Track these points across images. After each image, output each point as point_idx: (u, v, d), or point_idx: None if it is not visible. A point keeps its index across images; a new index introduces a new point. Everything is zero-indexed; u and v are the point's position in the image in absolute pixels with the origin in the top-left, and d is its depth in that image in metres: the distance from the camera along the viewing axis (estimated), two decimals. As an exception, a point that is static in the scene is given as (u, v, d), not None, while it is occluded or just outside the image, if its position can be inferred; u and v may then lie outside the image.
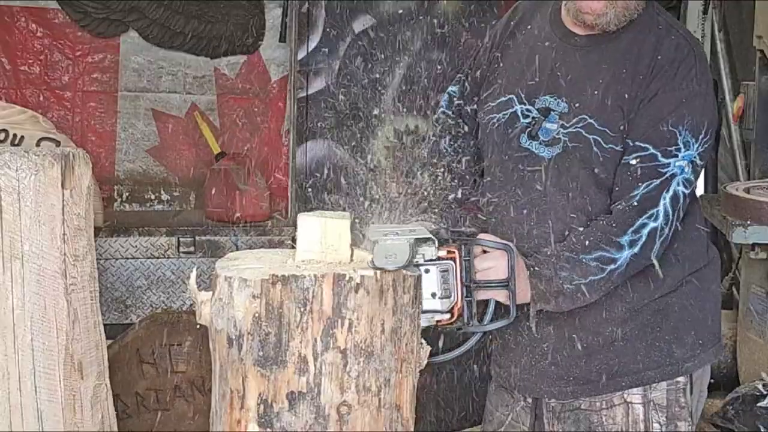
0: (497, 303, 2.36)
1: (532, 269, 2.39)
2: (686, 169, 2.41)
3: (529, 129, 2.49)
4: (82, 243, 2.22)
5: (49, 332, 2.17)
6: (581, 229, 2.43)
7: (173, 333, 3.82)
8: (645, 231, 2.40)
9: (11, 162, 2.12)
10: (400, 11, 4.90)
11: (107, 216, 4.72)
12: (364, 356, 1.89)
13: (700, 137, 2.43)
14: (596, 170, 2.43)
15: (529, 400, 2.60)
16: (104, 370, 2.32)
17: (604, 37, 2.48)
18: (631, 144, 2.43)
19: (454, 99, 2.74)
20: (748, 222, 3.32)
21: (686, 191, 2.43)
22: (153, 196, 5.29)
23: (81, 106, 5.16)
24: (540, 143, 2.48)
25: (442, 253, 2.27)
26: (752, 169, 4.23)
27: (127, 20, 5.12)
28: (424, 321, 2.23)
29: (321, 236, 1.96)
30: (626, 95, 2.44)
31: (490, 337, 2.66)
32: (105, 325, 2.36)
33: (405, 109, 4.97)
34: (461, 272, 2.30)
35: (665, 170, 2.40)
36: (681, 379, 2.54)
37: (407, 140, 4.86)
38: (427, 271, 2.24)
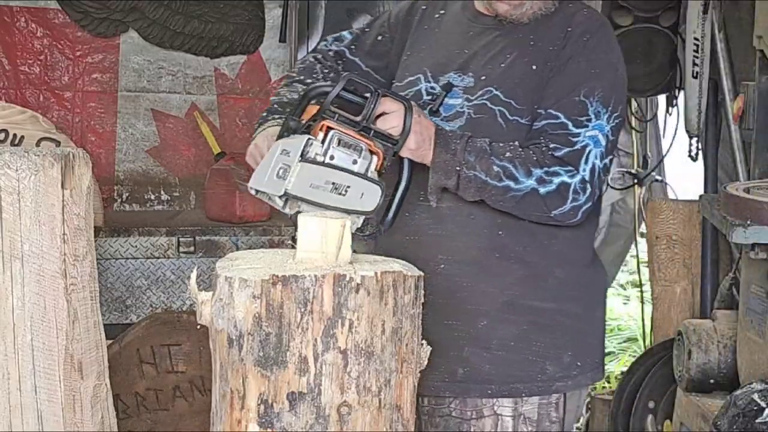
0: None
1: (442, 136, 2.39)
2: (600, 141, 2.41)
3: (430, 105, 2.50)
4: (82, 243, 2.22)
5: (49, 332, 2.17)
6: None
7: (173, 333, 3.82)
8: (557, 180, 2.39)
9: (11, 162, 2.12)
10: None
11: (107, 216, 4.71)
12: (365, 357, 1.89)
13: (611, 111, 2.43)
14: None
15: None
16: (104, 370, 2.31)
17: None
18: (542, 112, 2.43)
19: (343, 40, 2.75)
20: (748, 222, 3.31)
21: (601, 165, 2.42)
22: (153, 196, 5.28)
23: (81, 106, 5.16)
24: (441, 119, 2.48)
25: (318, 135, 2.33)
26: (752, 169, 4.22)
27: (127, 20, 5.12)
28: (372, 182, 2.29)
29: (321, 236, 1.96)
30: (534, 66, 2.46)
31: None
32: (105, 325, 2.36)
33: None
34: (344, 128, 2.33)
35: (576, 140, 2.40)
36: (554, 394, 2.53)
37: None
38: (332, 157, 2.30)
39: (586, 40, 2.47)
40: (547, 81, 2.45)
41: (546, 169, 2.39)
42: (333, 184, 2.29)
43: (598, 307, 2.63)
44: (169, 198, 5.30)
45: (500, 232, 2.48)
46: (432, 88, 2.54)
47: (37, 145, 4.16)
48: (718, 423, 3.28)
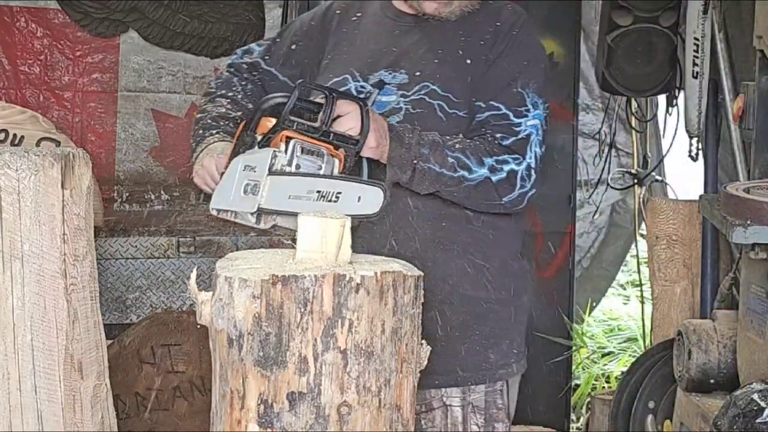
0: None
1: (395, 132, 2.44)
2: (539, 129, 2.51)
3: None
4: (82, 243, 2.22)
5: (49, 332, 2.17)
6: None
7: (173, 333, 3.82)
8: (506, 168, 2.48)
9: (11, 162, 2.12)
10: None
11: (107, 216, 4.71)
12: (365, 356, 1.89)
13: (544, 101, 2.54)
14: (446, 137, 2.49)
15: None
16: (104, 370, 2.31)
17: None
18: (483, 105, 2.51)
19: (254, 52, 2.78)
20: (748, 222, 3.31)
21: (540, 153, 2.52)
22: (153, 196, 5.28)
23: (81, 106, 5.15)
24: None
25: (276, 146, 2.35)
26: (752, 169, 4.23)
27: (127, 20, 5.11)
28: (347, 188, 2.31)
29: (321, 236, 1.96)
30: (468, 60, 2.53)
31: None
32: (105, 325, 2.36)
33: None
34: (304, 135, 2.35)
35: (519, 129, 2.50)
36: (498, 382, 2.61)
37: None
38: (298, 166, 2.32)
39: (516, 34, 2.56)
40: (482, 74, 2.53)
41: (496, 157, 2.47)
42: (318, 192, 2.29)
43: (524, 298, 2.71)
44: (169, 198, 5.30)
45: (443, 224, 2.55)
46: (362, 86, 2.57)
47: (37, 145, 4.16)
48: (718, 423, 3.28)
